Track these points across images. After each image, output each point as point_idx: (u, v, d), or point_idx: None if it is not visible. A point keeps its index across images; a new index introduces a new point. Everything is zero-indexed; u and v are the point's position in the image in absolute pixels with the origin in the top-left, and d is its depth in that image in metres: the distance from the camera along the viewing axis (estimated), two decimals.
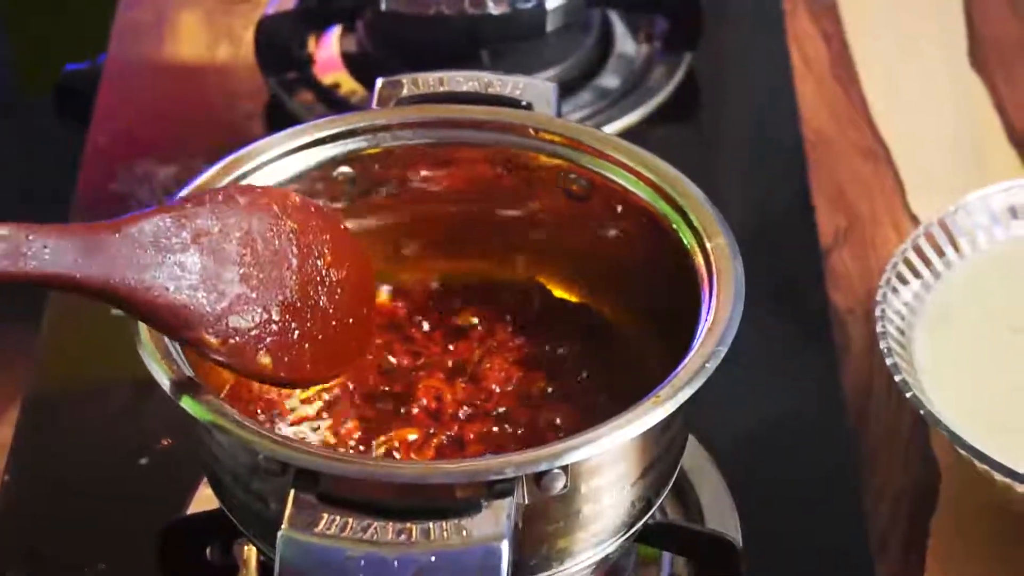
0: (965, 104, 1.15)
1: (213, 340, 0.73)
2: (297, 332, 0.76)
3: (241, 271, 0.74)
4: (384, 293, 0.88)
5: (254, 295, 0.74)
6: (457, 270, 0.88)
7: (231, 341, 0.73)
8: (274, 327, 0.75)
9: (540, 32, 1.12)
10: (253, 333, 0.74)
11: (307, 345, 0.76)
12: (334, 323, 0.78)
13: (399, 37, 1.15)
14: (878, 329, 0.90)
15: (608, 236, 0.85)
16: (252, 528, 0.77)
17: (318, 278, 0.78)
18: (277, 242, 0.76)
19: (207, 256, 0.73)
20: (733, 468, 0.91)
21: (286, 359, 0.76)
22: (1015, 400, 0.89)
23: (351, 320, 0.79)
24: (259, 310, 0.75)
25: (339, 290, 0.78)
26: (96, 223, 0.71)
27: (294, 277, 0.76)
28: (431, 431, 0.81)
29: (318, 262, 0.78)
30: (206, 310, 0.73)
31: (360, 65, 1.17)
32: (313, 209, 0.79)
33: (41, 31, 1.72)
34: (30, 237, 0.69)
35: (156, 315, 0.72)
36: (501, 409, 0.82)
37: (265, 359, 0.75)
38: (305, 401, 0.83)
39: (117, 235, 0.71)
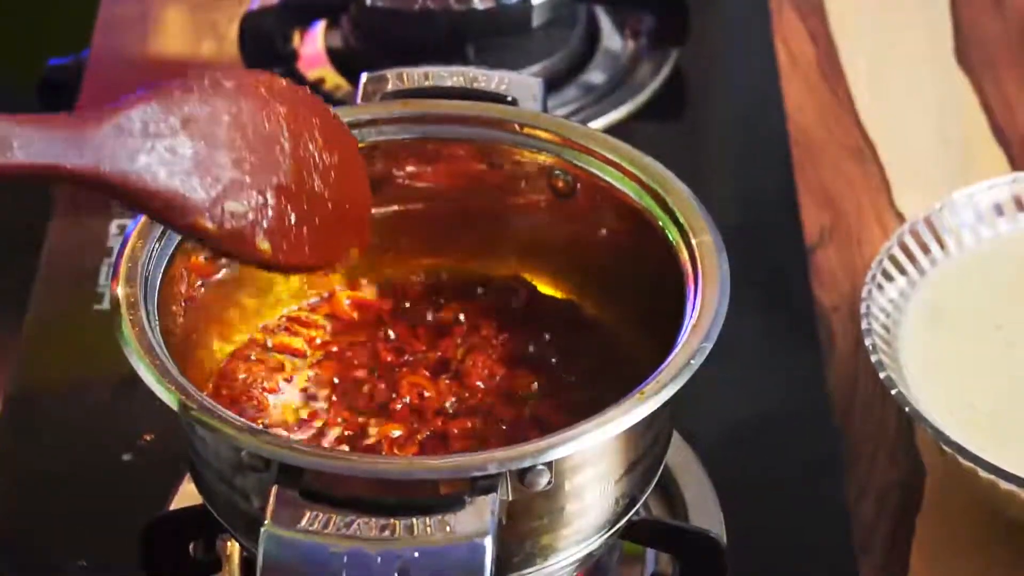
0: (951, 102, 1.15)
1: (210, 225, 0.72)
2: (294, 216, 0.75)
3: (233, 155, 0.73)
4: (368, 290, 0.88)
5: (248, 179, 0.73)
6: (442, 266, 0.88)
7: (227, 226, 0.72)
8: (270, 211, 0.74)
9: (526, 27, 1.12)
10: (250, 217, 0.73)
11: (304, 229, 0.75)
12: (330, 207, 0.77)
13: (384, 32, 1.14)
14: (863, 326, 0.90)
15: (593, 232, 0.85)
16: (235, 524, 0.77)
17: (311, 161, 0.76)
18: (267, 125, 0.75)
19: (198, 141, 0.72)
20: (718, 465, 0.91)
21: (284, 244, 0.75)
22: (1000, 398, 0.89)
23: (347, 205, 0.78)
24: (254, 194, 0.74)
25: (332, 174, 0.77)
26: (84, 112, 0.70)
27: (287, 160, 0.75)
28: (415, 426, 0.81)
29: (309, 145, 0.76)
30: (200, 195, 0.71)
31: (345, 60, 1.16)
32: (301, 93, 0.77)
33: (25, 25, 1.71)
34: (16, 129, 0.67)
35: (150, 203, 0.71)
36: (485, 405, 0.82)
37: (264, 244, 0.74)
38: (289, 398, 0.83)
39: (105, 124, 0.69)
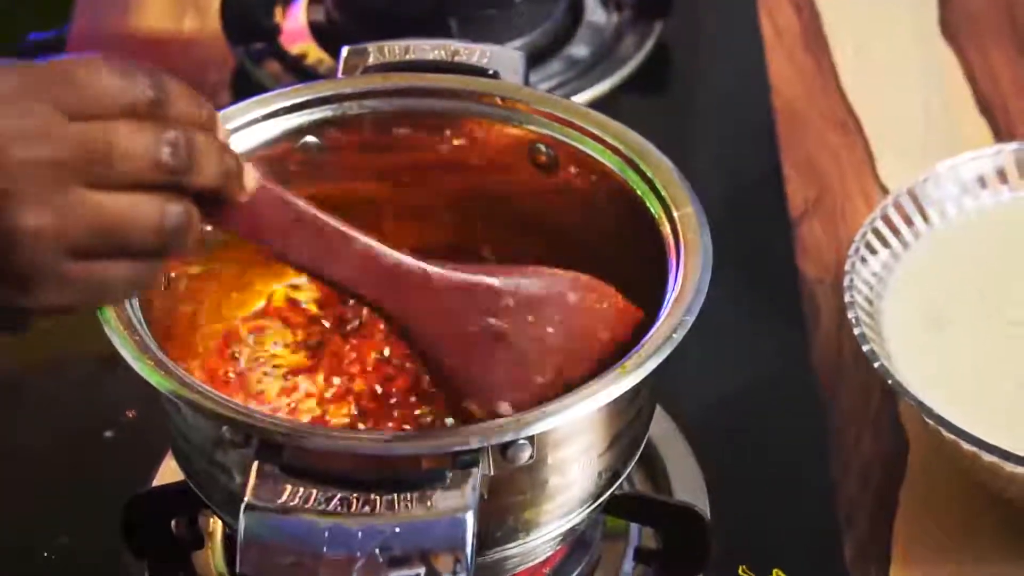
0: (935, 74, 1.14)
1: (475, 410, 0.75)
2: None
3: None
4: None
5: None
6: (422, 240, 0.88)
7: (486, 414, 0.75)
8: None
9: (508, 0, 1.11)
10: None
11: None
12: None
13: (366, 6, 1.14)
14: (847, 299, 0.90)
15: (575, 206, 0.85)
16: (216, 500, 0.77)
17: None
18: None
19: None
20: (702, 439, 0.91)
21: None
22: (983, 370, 0.89)
23: None
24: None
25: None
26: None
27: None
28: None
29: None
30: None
31: (327, 35, 1.16)
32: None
33: (5, 0, 1.70)
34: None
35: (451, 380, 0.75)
36: None
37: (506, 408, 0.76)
38: (273, 376, 0.83)
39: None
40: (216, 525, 0.86)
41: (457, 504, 0.68)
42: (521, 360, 0.75)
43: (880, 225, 0.94)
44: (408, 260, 0.73)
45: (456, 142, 0.85)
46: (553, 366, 0.75)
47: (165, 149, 0.66)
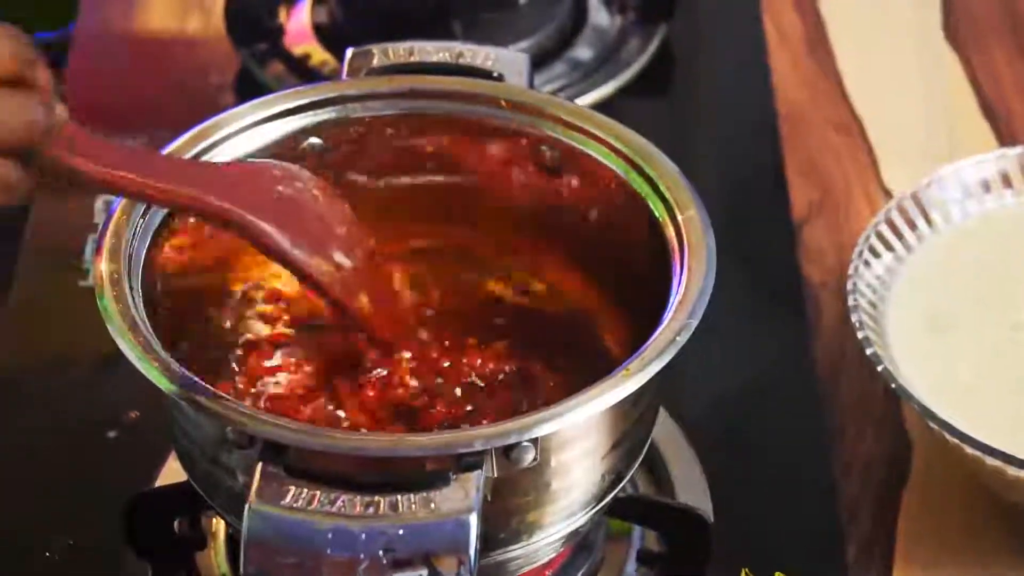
0: (939, 77, 1.14)
1: (325, 268, 0.79)
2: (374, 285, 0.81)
3: (325, 223, 0.80)
4: None
5: (344, 243, 0.80)
6: (426, 241, 0.88)
7: (339, 273, 0.79)
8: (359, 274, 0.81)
9: (513, 3, 1.11)
10: (351, 272, 0.80)
11: (382, 300, 0.82)
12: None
13: (370, 8, 1.14)
14: (850, 302, 0.90)
15: (579, 208, 0.85)
16: (220, 501, 0.77)
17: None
18: (335, 207, 0.81)
19: (303, 205, 0.79)
20: (705, 441, 0.91)
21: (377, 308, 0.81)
22: (986, 373, 0.89)
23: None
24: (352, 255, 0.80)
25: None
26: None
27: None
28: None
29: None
30: (315, 243, 0.79)
31: (331, 36, 1.16)
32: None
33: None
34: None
35: (276, 242, 0.77)
36: (467, 381, 0.82)
37: (364, 299, 0.80)
38: (276, 372, 0.83)
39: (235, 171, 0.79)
40: (219, 525, 0.86)
41: (460, 506, 0.68)
42: (320, 216, 0.79)
43: (883, 228, 0.94)
44: (202, 162, 0.80)
45: (460, 144, 0.85)
46: (339, 221, 0.80)
47: None
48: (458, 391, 0.82)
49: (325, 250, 0.79)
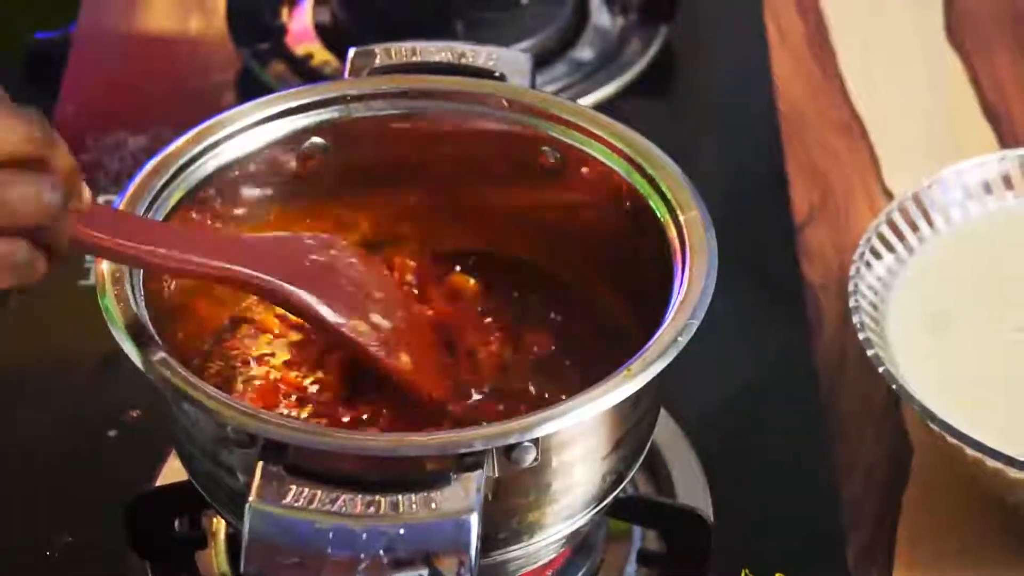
0: (941, 79, 1.14)
1: (363, 328, 0.80)
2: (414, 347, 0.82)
3: (362, 289, 0.81)
4: None
5: (382, 306, 0.81)
6: (426, 243, 0.88)
7: (378, 334, 0.80)
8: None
9: (515, 3, 1.11)
10: (391, 333, 0.81)
11: (421, 359, 0.82)
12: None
13: (372, 7, 1.14)
14: (851, 304, 0.90)
15: (581, 208, 0.85)
16: (220, 500, 0.77)
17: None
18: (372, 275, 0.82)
19: (339, 273, 0.81)
20: (705, 442, 0.91)
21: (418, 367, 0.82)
22: (987, 375, 0.89)
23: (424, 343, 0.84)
24: (392, 319, 0.82)
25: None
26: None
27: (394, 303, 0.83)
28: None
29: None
30: (352, 308, 0.80)
31: (333, 36, 1.16)
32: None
33: None
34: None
35: (312, 309, 0.79)
36: (475, 380, 0.82)
37: (404, 358, 0.81)
38: (276, 371, 0.83)
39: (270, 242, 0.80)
40: (219, 525, 0.86)
41: (461, 506, 0.68)
42: (355, 281, 0.80)
43: (885, 230, 0.94)
44: (232, 235, 0.81)
45: (462, 144, 0.85)
46: (377, 286, 0.81)
47: None
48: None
49: (362, 312, 0.79)
